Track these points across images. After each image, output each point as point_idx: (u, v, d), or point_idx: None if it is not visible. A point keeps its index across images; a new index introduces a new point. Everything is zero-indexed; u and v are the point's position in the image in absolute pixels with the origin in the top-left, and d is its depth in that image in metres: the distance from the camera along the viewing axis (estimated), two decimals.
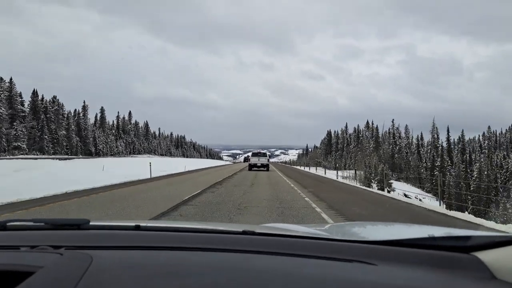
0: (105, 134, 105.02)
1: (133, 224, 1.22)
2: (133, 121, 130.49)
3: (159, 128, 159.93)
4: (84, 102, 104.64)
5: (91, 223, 1.20)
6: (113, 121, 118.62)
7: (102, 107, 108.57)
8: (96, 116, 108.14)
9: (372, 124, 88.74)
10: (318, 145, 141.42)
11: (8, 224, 1.21)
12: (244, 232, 1.18)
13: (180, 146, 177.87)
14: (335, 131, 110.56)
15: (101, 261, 0.83)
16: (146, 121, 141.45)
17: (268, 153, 36.58)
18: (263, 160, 32.66)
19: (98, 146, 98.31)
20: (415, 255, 0.97)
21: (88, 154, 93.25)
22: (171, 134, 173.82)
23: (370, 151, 75.21)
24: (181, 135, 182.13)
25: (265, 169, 32.12)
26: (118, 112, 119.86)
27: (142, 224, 1.22)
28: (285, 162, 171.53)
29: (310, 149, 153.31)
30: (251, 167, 32.19)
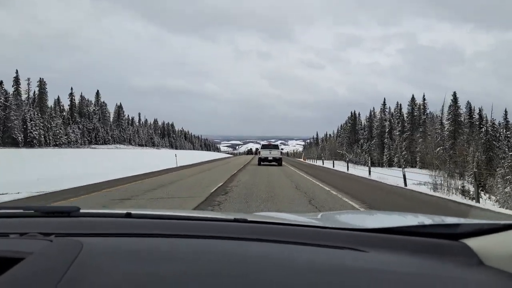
0: (47, 116, 73.16)
1: (124, 211, 1.19)
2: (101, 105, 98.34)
3: (139, 114, 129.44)
4: (16, 72, 72.74)
5: (81, 211, 1.16)
6: (70, 100, 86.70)
7: (41, 79, 75.77)
8: (34, 93, 75.68)
9: (424, 100, 56.94)
10: (330, 133, 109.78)
11: None
12: (236, 220, 1.15)
13: (167, 135, 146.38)
14: (359, 113, 79.02)
15: (91, 248, 0.80)
16: (119, 104, 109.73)
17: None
18: (275, 154, 26.67)
19: (32, 132, 66.69)
20: (405, 242, 0.96)
21: (11, 143, 61.60)
22: (156, 121, 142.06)
23: (444, 138, 44.56)
24: (169, 123, 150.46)
25: (277, 163, 26.41)
26: (72, 89, 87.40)
27: (133, 211, 1.20)
28: (288, 155, 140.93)
29: (320, 139, 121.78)
30: (261, 161, 26.65)
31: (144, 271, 0.71)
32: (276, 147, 28.95)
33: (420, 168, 44.96)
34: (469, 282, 0.76)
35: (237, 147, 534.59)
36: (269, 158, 26.68)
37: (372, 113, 68.99)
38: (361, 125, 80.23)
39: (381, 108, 64.84)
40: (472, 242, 0.91)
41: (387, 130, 59.61)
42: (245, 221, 1.13)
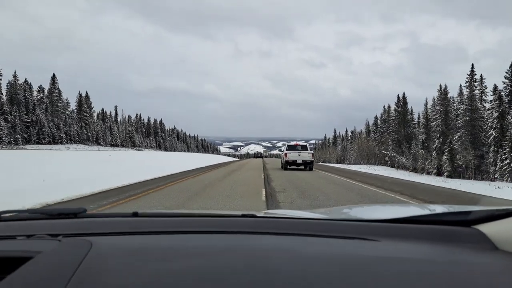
0: None
1: (130, 211, 1.17)
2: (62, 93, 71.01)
3: (116, 107, 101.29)
4: None
5: (88, 212, 1.14)
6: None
7: None
8: None
9: None
10: (354, 129, 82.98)
11: (2, 215, 1.14)
12: (244, 215, 1.13)
13: (153, 134, 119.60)
14: (402, 95, 51.85)
15: (100, 247, 0.79)
16: (86, 93, 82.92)
17: (308, 146, 23.94)
18: (305, 156, 21.42)
19: None
20: (417, 231, 0.95)
21: None
22: (139, 116, 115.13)
23: None
24: (156, 119, 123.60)
25: (307, 168, 21.26)
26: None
27: (140, 211, 1.18)
28: None
29: (339, 136, 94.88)
30: (288, 164, 21.27)
31: (154, 268, 0.70)
32: (305, 147, 22.79)
33: None
34: (484, 267, 0.74)
35: (239, 149, 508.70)
36: (297, 162, 21.21)
37: (442, 91, 41.88)
38: (412, 114, 53.12)
39: (467, 81, 37.69)
40: (485, 228, 0.88)
41: (495, 115, 32.55)
42: (253, 216, 1.10)
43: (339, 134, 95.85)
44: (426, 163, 41.63)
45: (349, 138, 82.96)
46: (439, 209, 1.25)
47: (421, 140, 45.49)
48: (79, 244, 0.79)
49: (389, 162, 50.22)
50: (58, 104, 70.60)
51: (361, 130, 77.88)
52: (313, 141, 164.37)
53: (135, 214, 1.13)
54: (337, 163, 70.40)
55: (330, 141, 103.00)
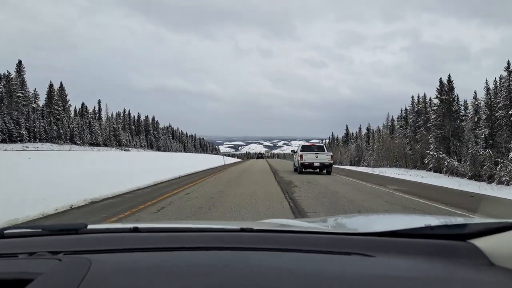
0: None
1: (131, 226, 1.15)
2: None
3: (99, 101, 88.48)
4: None
5: (88, 227, 1.14)
6: None
7: None
8: None
9: None
10: (378, 127, 70.28)
11: (5, 232, 1.14)
12: (242, 230, 1.11)
13: (144, 132, 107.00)
14: (447, 78, 39.06)
15: (100, 265, 0.79)
16: (60, 83, 70.32)
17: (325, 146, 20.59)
18: (323, 158, 17.98)
19: None
20: (412, 245, 0.93)
21: None
22: (127, 112, 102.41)
23: None
24: (147, 116, 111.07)
25: (325, 171, 18.03)
26: None
27: (140, 226, 1.17)
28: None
29: (350, 134, 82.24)
30: (304, 167, 17.98)
31: (153, 287, 0.70)
32: (321, 148, 19.28)
33: None
34: (480, 283, 0.73)
35: (239, 148, 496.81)
36: (314, 164, 17.82)
37: (510, 70, 29.10)
38: (458, 104, 40.38)
39: None
40: (480, 242, 0.87)
41: None
42: (251, 230, 1.09)
43: (358, 128, 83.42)
44: (498, 169, 28.94)
45: (364, 136, 70.42)
46: (435, 221, 1.24)
47: (483, 137, 32.82)
48: (79, 263, 0.78)
49: (431, 166, 37.79)
50: (19, 95, 57.85)
51: (378, 126, 65.39)
52: (315, 140, 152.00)
53: (135, 229, 1.11)
54: (351, 165, 58.38)
55: (339, 140, 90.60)
